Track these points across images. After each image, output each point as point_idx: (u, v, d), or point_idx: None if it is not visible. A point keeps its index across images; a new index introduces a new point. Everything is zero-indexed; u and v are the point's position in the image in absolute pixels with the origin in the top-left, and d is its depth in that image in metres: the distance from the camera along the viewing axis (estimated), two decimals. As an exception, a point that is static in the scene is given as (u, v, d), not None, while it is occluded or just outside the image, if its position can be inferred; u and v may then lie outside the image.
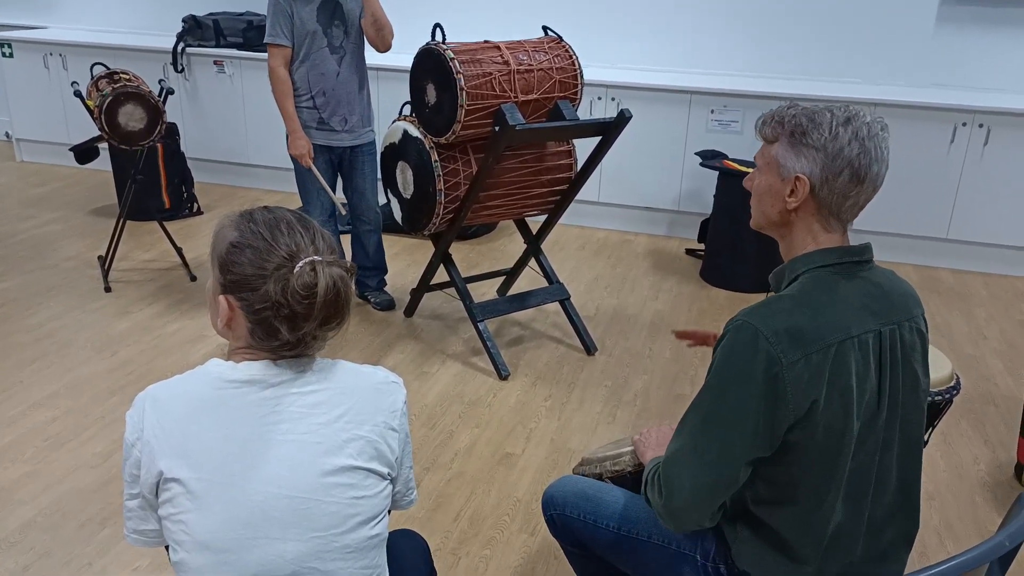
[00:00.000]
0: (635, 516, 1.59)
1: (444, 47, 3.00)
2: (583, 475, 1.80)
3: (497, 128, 2.96)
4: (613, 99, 4.71)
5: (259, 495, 1.18)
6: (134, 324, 3.58)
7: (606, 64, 5.11)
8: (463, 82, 2.94)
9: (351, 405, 1.25)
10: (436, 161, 3.14)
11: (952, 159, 4.36)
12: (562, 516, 1.69)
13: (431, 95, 3.09)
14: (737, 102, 4.55)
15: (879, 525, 1.42)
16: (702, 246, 4.50)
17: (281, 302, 1.18)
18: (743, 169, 4.11)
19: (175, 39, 5.31)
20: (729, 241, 4.16)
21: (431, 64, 3.05)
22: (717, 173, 4.27)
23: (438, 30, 3.11)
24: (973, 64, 4.62)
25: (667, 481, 1.37)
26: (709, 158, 4.37)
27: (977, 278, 4.46)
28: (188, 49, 5.29)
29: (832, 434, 1.30)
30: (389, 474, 1.29)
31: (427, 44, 3.07)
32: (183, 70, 5.33)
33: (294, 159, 3.47)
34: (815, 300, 1.33)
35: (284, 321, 1.19)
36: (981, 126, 4.26)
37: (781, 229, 1.43)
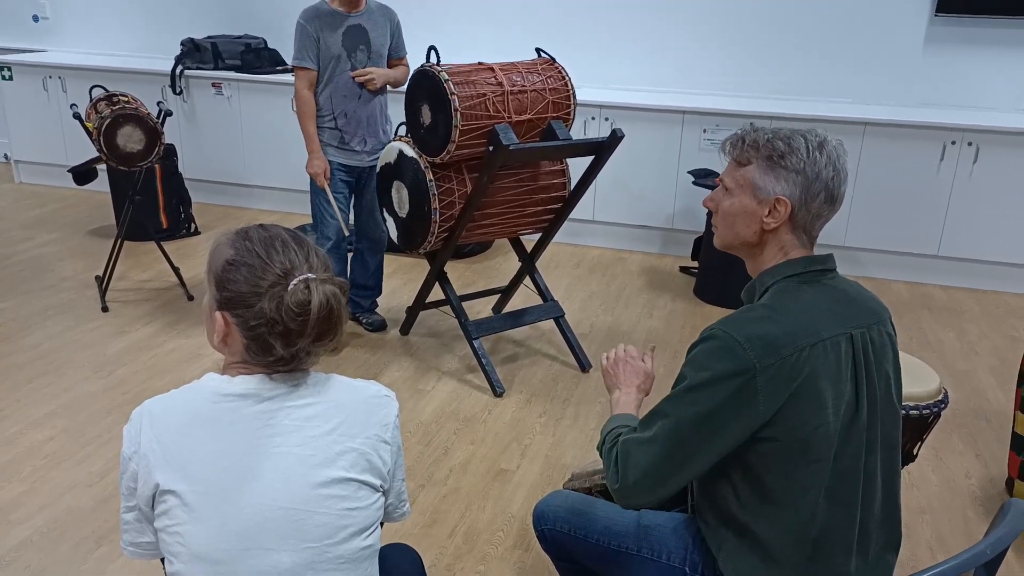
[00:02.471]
0: (624, 530, 1.61)
1: (439, 69, 3.05)
2: (573, 490, 1.82)
3: (491, 148, 3.00)
4: (607, 119, 4.76)
5: (253, 507, 1.20)
6: (131, 344, 3.60)
7: (599, 85, 5.17)
8: (457, 103, 2.99)
9: (344, 418, 1.28)
10: (431, 180, 3.18)
11: (942, 177, 4.40)
12: (553, 531, 1.71)
13: (426, 116, 3.13)
14: (729, 122, 4.60)
15: (869, 530, 1.44)
16: (696, 264, 4.53)
17: (275, 319, 1.21)
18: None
19: (174, 62, 5.36)
20: (722, 258, 4.19)
21: (426, 85, 3.10)
22: (710, 192, 4.30)
23: (433, 52, 3.16)
24: (962, 83, 4.68)
25: (624, 462, 1.42)
26: (702, 177, 4.42)
27: (968, 294, 4.49)
28: (186, 72, 5.34)
29: (807, 434, 1.33)
30: (381, 486, 1.31)
31: (422, 66, 3.12)
32: (181, 92, 5.38)
33: (310, 178, 3.54)
34: (785, 307, 1.38)
35: (278, 337, 1.22)
36: (970, 144, 4.31)
37: (753, 248, 1.48)
